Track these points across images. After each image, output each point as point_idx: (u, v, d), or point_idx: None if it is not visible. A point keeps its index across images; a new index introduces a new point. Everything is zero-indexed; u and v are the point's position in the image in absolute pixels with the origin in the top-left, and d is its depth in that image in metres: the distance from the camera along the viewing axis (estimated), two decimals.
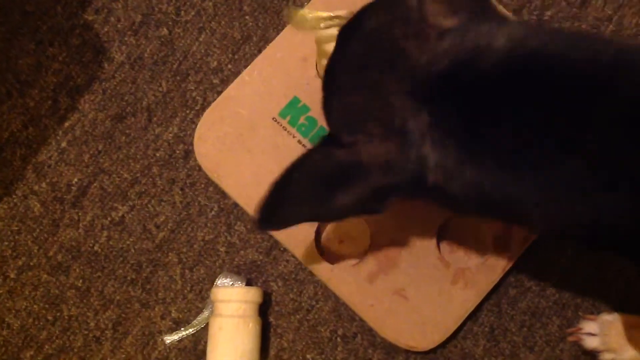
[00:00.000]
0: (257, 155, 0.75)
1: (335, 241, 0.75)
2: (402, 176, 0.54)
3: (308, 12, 0.66)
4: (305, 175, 0.56)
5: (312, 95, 0.75)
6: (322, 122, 0.75)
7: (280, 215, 0.58)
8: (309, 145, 0.74)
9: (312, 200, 0.57)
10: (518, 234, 0.73)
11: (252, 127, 0.75)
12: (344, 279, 0.73)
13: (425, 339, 0.72)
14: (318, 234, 0.74)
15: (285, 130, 0.75)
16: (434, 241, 0.73)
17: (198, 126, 0.75)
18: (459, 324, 0.72)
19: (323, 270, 0.73)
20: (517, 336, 0.75)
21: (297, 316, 0.75)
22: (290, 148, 0.75)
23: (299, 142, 0.75)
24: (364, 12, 0.57)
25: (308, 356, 0.75)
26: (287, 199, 0.57)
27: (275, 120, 0.75)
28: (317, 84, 0.75)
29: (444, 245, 0.75)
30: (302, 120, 0.75)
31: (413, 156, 0.52)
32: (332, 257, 0.74)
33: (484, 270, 0.73)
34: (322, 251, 0.74)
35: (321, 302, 0.76)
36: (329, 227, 0.75)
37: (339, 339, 0.75)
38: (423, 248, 0.73)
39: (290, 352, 0.75)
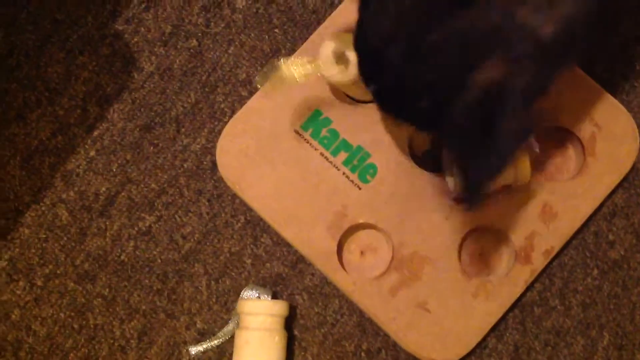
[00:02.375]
0: (279, 167, 0.75)
1: (357, 253, 0.75)
2: (524, 70, 0.53)
3: (286, 70, 0.65)
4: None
5: (335, 107, 0.75)
6: (343, 134, 0.75)
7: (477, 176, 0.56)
8: (330, 158, 0.74)
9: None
10: (540, 246, 0.73)
11: (274, 140, 0.75)
12: (367, 292, 0.73)
13: (447, 352, 0.72)
14: (340, 245, 0.74)
15: (308, 142, 0.75)
16: (455, 254, 0.73)
17: (220, 138, 0.75)
18: (481, 337, 0.73)
19: (345, 282, 0.73)
20: (541, 355, 0.75)
21: (322, 330, 0.76)
22: (312, 161, 0.75)
23: (321, 154, 0.75)
24: None
25: None
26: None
27: (297, 133, 0.75)
28: (340, 96, 0.75)
29: (466, 258, 0.75)
30: (324, 132, 0.75)
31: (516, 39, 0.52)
32: (354, 270, 0.74)
33: (505, 283, 0.73)
34: (344, 263, 0.74)
35: (346, 317, 0.76)
36: (351, 239, 0.75)
37: (363, 354, 0.75)
38: (445, 261, 0.73)
39: None
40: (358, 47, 0.60)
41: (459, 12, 0.52)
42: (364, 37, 0.59)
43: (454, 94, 0.54)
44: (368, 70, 0.60)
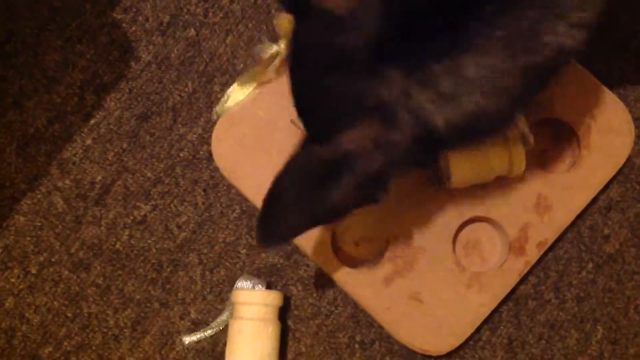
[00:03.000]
0: (275, 157, 0.75)
1: (351, 244, 0.75)
2: (401, 144, 0.52)
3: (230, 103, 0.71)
4: (293, 182, 0.55)
5: None
6: None
7: (280, 229, 0.57)
8: None
9: (307, 205, 0.55)
10: (534, 238, 0.73)
11: (270, 129, 0.75)
12: (360, 282, 0.73)
13: (440, 343, 0.72)
14: (334, 236, 0.74)
15: (303, 132, 0.75)
16: (450, 245, 0.73)
17: (216, 127, 0.75)
18: (474, 328, 0.73)
19: (339, 273, 0.73)
20: (535, 349, 0.75)
21: (316, 321, 0.76)
22: None
23: None
24: None
25: None
26: (282, 211, 0.56)
27: (293, 123, 0.75)
28: None
29: (460, 249, 0.75)
30: None
31: (406, 117, 0.51)
32: (347, 260, 0.74)
33: (499, 275, 0.73)
34: (338, 253, 0.74)
35: (340, 308, 0.76)
36: (345, 229, 0.75)
37: (356, 345, 0.75)
38: (439, 251, 0.73)
39: (307, 357, 0.75)
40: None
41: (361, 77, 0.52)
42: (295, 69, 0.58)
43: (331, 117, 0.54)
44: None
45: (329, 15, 0.52)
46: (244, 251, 0.77)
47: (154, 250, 0.77)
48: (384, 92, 0.51)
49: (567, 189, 0.73)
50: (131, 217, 0.77)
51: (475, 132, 0.54)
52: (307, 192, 0.54)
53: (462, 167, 0.69)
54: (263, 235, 0.57)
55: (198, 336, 0.75)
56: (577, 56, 0.68)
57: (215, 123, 0.76)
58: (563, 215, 0.73)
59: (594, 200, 0.76)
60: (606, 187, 0.76)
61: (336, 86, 0.53)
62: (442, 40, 0.50)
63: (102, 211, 0.77)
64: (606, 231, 0.77)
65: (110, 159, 0.78)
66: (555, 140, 0.77)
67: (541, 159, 0.76)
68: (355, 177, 0.53)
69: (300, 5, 0.54)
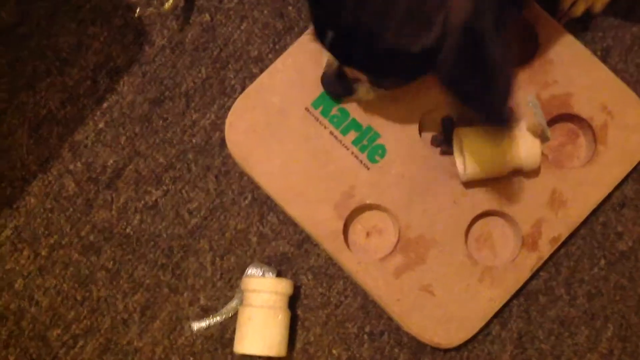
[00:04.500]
0: (288, 144, 0.74)
1: (362, 234, 0.75)
2: None
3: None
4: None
5: None
6: (353, 114, 0.74)
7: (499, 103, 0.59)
8: (340, 137, 0.74)
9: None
10: (548, 233, 0.72)
11: (283, 116, 0.75)
12: (371, 273, 0.72)
13: (450, 336, 0.72)
14: (346, 226, 0.74)
15: (317, 120, 0.75)
16: (462, 238, 0.73)
17: (230, 113, 0.75)
18: (484, 322, 0.72)
19: (350, 263, 0.73)
20: (544, 344, 0.75)
21: (325, 311, 0.75)
22: (321, 139, 0.74)
23: (331, 133, 0.74)
24: None
25: (334, 351, 0.75)
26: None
27: (308, 110, 0.75)
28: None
29: (472, 243, 0.74)
30: (334, 111, 0.75)
31: None
32: (359, 250, 0.74)
33: (511, 269, 0.72)
34: (350, 244, 0.74)
35: (350, 298, 0.75)
36: (356, 220, 0.75)
37: (365, 336, 0.75)
38: (451, 245, 0.73)
39: (316, 346, 0.75)
40: None
41: None
42: None
43: (419, 35, 0.56)
44: (323, 13, 0.60)
45: None
46: (254, 239, 0.76)
47: (165, 235, 0.77)
48: None
49: (582, 185, 0.73)
50: (142, 202, 0.77)
51: None
52: (482, 70, 0.57)
53: (477, 160, 0.69)
54: (499, 116, 0.60)
55: (207, 322, 0.75)
56: None
57: (228, 109, 0.76)
58: (577, 211, 0.73)
59: (608, 196, 0.75)
60: (620, 183, 0.75)
61: None
62: None
63: (113, 195, 0.77)
64: (619, 228, 0.77)
65: (122, 142, 0.78)
66: (571, 135, 0.76)
67: (557, 154, 0.75)
68: (491, 31, 0.55)
69: None
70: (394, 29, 0.56)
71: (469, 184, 0.73)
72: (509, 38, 0.59)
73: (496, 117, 0.60)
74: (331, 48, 0.62)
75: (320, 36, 0.61)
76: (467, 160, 0.69)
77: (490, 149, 0.69)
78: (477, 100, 0.59)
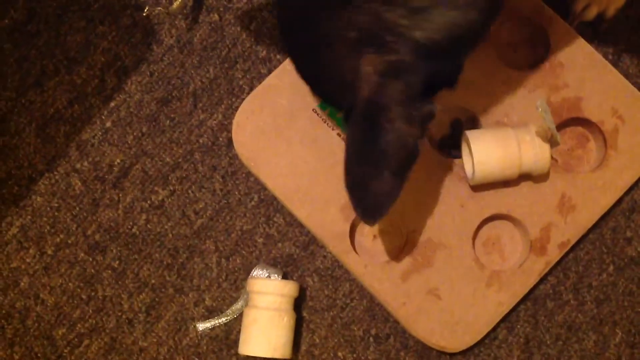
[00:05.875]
0: (295, 146, 0.74)
1: (369, 237, 0.75)
2: (405, 63, 0.53)
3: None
4: (359, 156, 0.56)
5: None
6: None
7: (379, 200, 0.57)
8: None
9: (384, 163, 0.55)
10: (556, 238, 0.72)
11: (291, 118, 0.74)
12: (377, 276, 0.72)
13: (457, 340, 0.71)
14: (353, 228, 0.73)
15: (325, 122, 0.74)
16: (469, 242, 0.72)
17: (237, 113, 0.75)
18: (491, 327, 0.72)
19: (356, 265, 0.72)
20: (551, 349, 0.74)
21: (331, 313, 0.75)
22: (328, 141, 0.74)
23: (338, 134, 0.74)
24: None
25: (339, 354, 0.74)
26: (374, 185, 0.56)
27: (315, 112, 0.74)
28: None
29: (480, 247, 0.74)
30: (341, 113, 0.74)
31: (390, 39, 0.53)
32: (365, 253, 0.74)
33: (519, 274, 0.72)
34: (356, 246, 0.73)
35: (356, 301, 0.75)
36: (363, 223, 0.74)
37: (371, 339, 0.75)
38: (458, 248, 0.72)
39: (321, 349, 0.75)
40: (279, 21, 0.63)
41: (338, 11, 0.54)
42: (279, 19, 0.63)
43: (342, 91, 0.57)
44: (289, 49, 0.63)
45: None
46: (260, 240, 0.76)
47: (171, 235, 0.76)
48: (360, 19, 0.53)
49: (592, 190, 0.72)
50: (148, 202, 0.77)
51: (457, 46, 0.56)
52: (371, 154, 0.55)
53: (486, 164, 0.68)
54: (367, 215, 0.58)
55: (212, 323, 0.75)
56: None
57: (236, 109, 0.75)
58: (586, 216, 0.72)
59: (618, 202, 0.74)
60: (630, 189, 0.75)
61: (325, 28, 0.55)
62: None
63: (120, 194, 0.77)
64: (629, 234, 0.76)
65: (129, 142, 0.78)
66: (581, 140, 0.75)
67: (567, 159, 0.75)
68: (395, 111, 0.54)
69: None
70: (322, 86, 0.61)
71: (477, 187, 0.72)
72: (425, 125, 0.56)
73: (367, 212, 0.58)
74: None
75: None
76: (475, 164, 0.69)
77: (500, 153, 0.68)
78: (358, 186, 0.57)
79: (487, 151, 0.68)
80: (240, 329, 0.72)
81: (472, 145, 0.69)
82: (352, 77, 0.54)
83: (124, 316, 0.75)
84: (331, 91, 0.60)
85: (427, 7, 0.52)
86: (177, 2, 0.76)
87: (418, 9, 0.52)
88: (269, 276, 0.74)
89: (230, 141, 0.77)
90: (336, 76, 0.57)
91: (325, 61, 0.57)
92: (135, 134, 0.78)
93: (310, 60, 0.59)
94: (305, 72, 0.61)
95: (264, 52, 0.79)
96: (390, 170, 0.55)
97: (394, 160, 0.55)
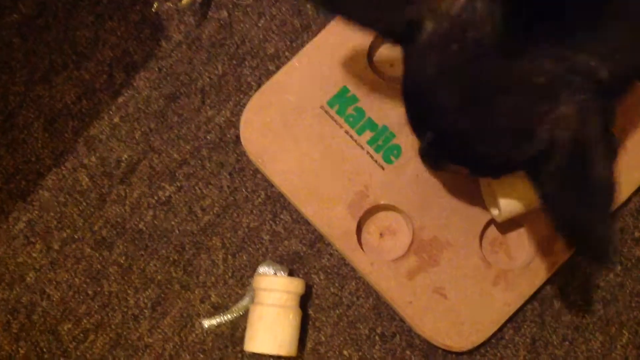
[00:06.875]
0: (303, 143, 0.74)
1: (375, 235, 0.74)
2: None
3: None
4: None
5: (362, 85, 0.74)
6: (369, 113, 0.74)
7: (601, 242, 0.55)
8: (355, 137, 0.74)
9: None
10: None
11: (299, 114, 0.74)
12: (384, 274, 0.72)
13: (463, 339, 0.71)
14: (359, 226, 0.73)
15: (333, 119, 0.74)
16: (477, 241, 0.72)
17: (245, 110, 0.75)
18: (498, 326, 0.72)
19: (363, 263, 0.72)
20: (558, 349, 0.74)
21: (337, 311, 0.75)
22: (336, 138, 0.74)
23: (346, 132, 0.74)
24: None
25: (345, 352, 0.74)
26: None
27: (323, 109, 0.74)
28: (367, 75, 0.74)
29: (487, 246, 0.74)
30: (350, 110, 0.74)
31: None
32: (372, 251, 0.73)
33: (526, 274, 0.72)
34: (363, 244, 0.73)
35: (362, 299, 0.75)
36: (370, 220, 0.74)
37: (377, 338, 0.75)
38: (465, 247, 0.72)
39: (327, 347, 0.74)
40: (406, 95, 0.59)
41: (509, 60, 0.53)
42: (411, 83, 0.58)
43: (519, 147, 0.54)
44: (419, 116, 0.60)
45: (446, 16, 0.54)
46: (267, 237, 0.76)
47: (177, 231, 0.76)
48: (546, 64, 0.52)
49: None
50: (155, 198, 0.77)
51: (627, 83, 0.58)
52: (585, 196, 0.54)
53: (510, 198, 0.66)
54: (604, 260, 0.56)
55: (218, 320, 0.75)
56: None
57: (244, 106, 0.75)
58: None
59: (626, 202, 0.74)
60: (639, 189, 0.74)
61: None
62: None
63: (127, 190, 0.77)
64: (637, 234, 0.76)
65: (137, 138, 0.78)
66: None
67: None
68: (600, 148, 0.53)
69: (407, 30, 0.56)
70: (492, 139, 0.56)
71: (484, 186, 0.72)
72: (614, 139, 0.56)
73: (598, 248, 0.55)
74: (429, 146, 0.61)
75: (417, 134, 0.61)
76: (500, 200, 0.66)
77: (522, 184, 0.65)
78: (578, 225, 0.55)
79: (509, 187, 0.66)
80: (246, 326, 0.72)
81: (493, 183, 0.67)
82: (537, 122, 0.53)
83: (129, 312, 0.75)
84: (499, 144, 0.56)
85: (615, 49, 0.53)
86: None
87: (606, 53, 0.53)
88: (275, 273, 0.74)
89: (237, 138, 0.77)
90: (513, 126, 0.54)
91: (499, 112, 0.54)
92: (143, 129, 0.78)
93: (471, 117, 0.55)
94: (460, 130, 0.57)
95: (272, 49, 0.79)
96: (605, 208, 0.55)
97: (609, 197, 0.55)
